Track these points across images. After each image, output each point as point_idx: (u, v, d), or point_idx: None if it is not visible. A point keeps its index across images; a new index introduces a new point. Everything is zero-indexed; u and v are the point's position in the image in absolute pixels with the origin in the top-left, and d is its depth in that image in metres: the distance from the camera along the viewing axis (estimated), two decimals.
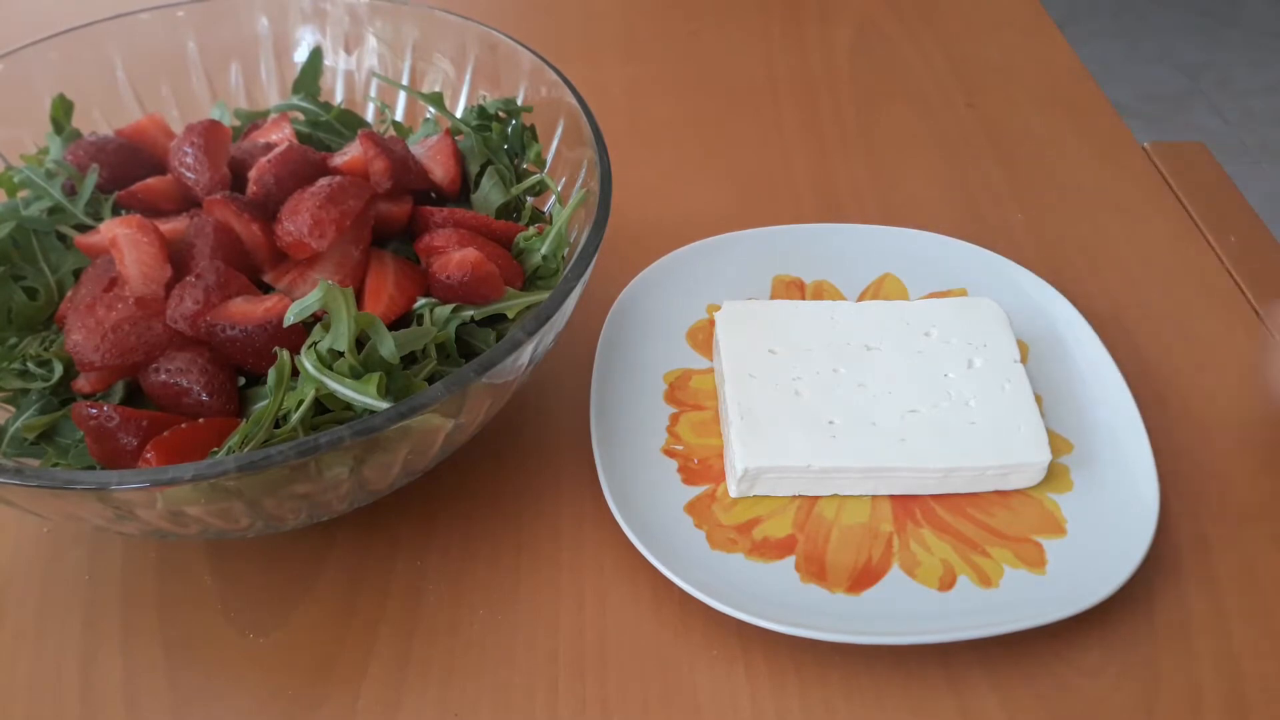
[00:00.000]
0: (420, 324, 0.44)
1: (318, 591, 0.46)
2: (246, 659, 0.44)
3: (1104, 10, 2.31)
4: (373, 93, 0.58)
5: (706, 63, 0.77)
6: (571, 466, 0.49)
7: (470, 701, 0.42)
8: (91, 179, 0.49)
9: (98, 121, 0.55)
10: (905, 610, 0.43)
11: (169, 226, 0.46)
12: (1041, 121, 0.71)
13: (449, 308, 0.44)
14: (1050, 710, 0.42)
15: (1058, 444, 0.49)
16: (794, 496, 0.48)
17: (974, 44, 0.78)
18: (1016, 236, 0.62)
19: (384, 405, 0.39)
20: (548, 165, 0.52)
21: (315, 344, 0.40)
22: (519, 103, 0.52)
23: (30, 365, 0.44)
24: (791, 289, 0.57)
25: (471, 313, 0.45)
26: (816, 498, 0.48)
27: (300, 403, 0.40)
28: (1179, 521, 0.47)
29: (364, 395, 0.39)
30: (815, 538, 0.46)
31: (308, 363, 0.40)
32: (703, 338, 0.54)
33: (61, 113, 0.53)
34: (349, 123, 0.55)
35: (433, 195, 0.52)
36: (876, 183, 0.66)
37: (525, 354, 0.41)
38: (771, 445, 0.47)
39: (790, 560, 0.45)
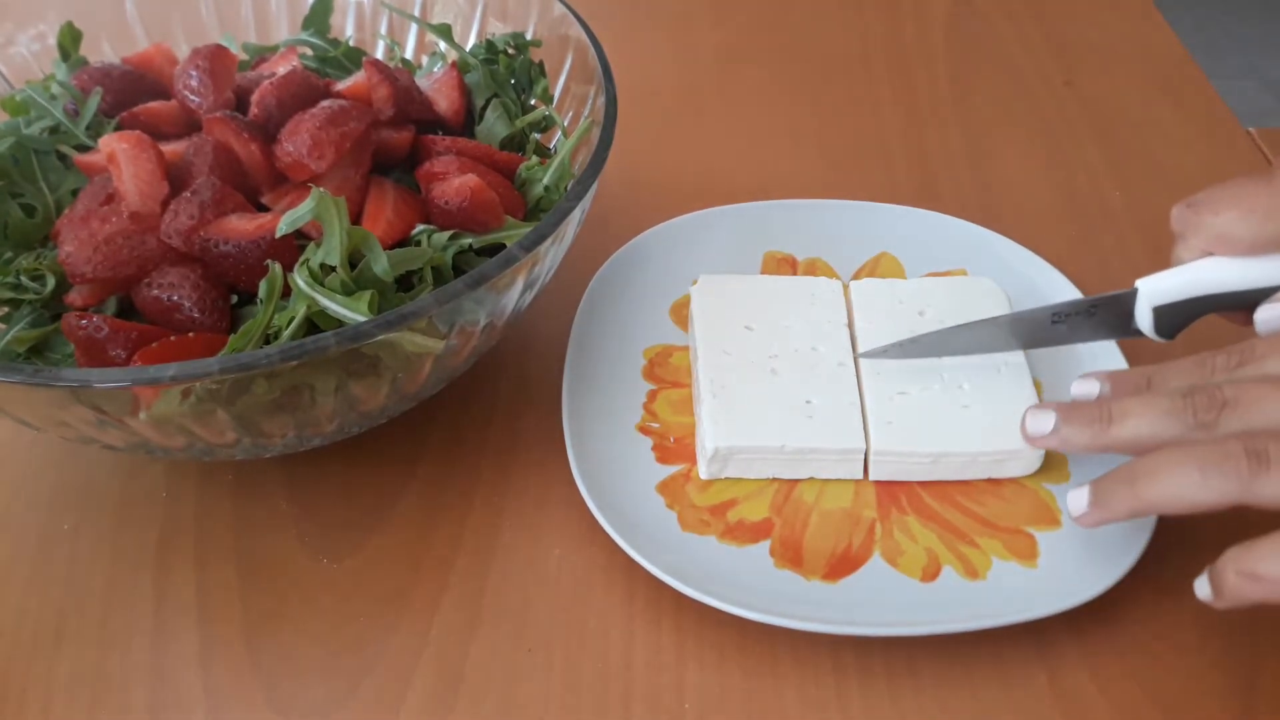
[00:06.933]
0: None
1: (394, 522, 0.45)
2: (320, 583, 0.43)
3: None
4: (383, 30, 0.57)
5: (798, 31, 0.75)
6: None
7: (543, 638, 0.42)
8: (94, 100, 0.48)
9: (107, 53, 0.55)
10: (884, 601, 0.42)
11: (170, 149, 0.46)
12: (1142, 103, 0.69)
13: (447, 234, 0.43)
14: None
15: None
16: (771, 479, 0.46)
17: (1072, 22, 0.76)
18: (1114, 215, 0.60)
19: None
20: (555, 100, 0.51)
21: (308, 260, 0.40)
22: (528, 37, 0.51)
23: (23, 279, 0.43)
24: (783, 265, 0.55)
25: (470, 240, 0.44)
26: (796, 481, 0.46)
27: (291, 320, 0.39)
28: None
29: (354, 311, 0.38)
30: (793, 522, 0.44)
31: (300, 279, 0.39)
32: (686, 313, 0.52)
33: (69, 40, 0.53)
34: (357, 59, 0.54)
35: (439, 132, 0.51)
36: (971, 159, 0.64)
37: (520, 277, 0.40)
38: (744, 425, 0.45)
39: (765, 545, 0.43)
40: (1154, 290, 0.43)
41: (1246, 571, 0.35)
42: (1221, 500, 0.36)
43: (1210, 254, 0.42)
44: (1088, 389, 0.43)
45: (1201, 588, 0.37)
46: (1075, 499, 0.40)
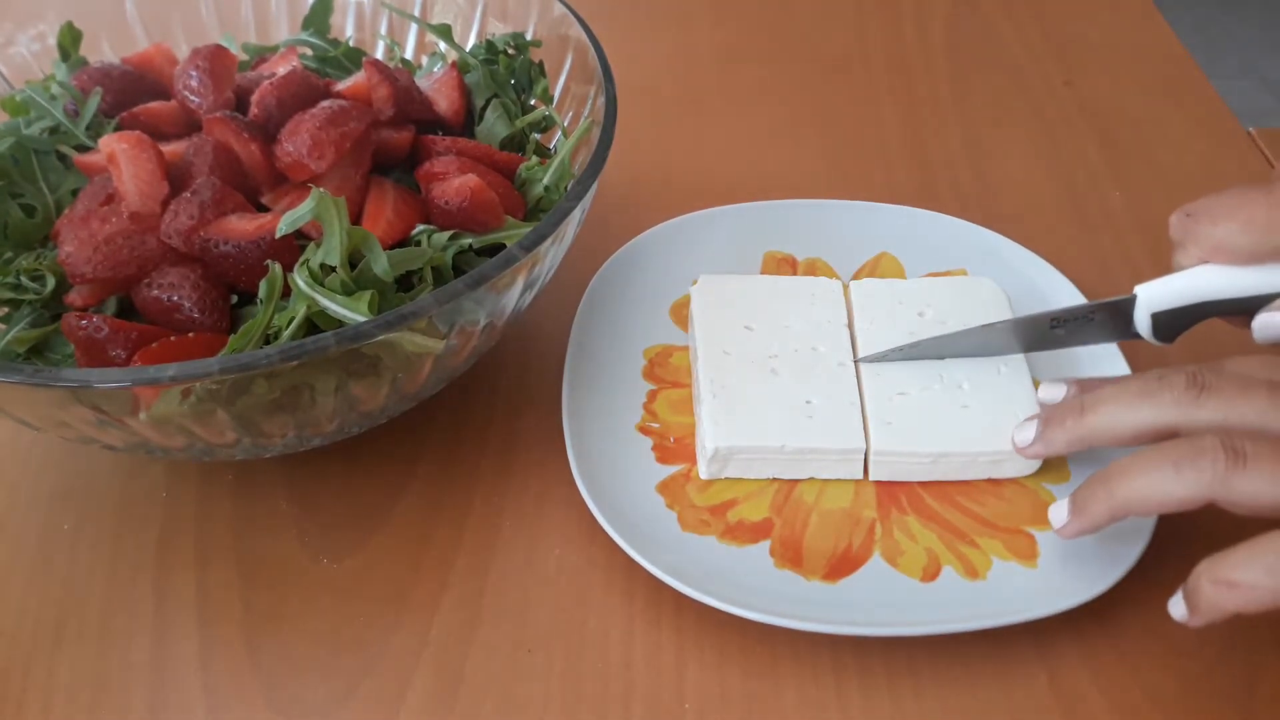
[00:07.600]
0: None
1: (394, 522, 0.46)
2: (320, 584, 0.44)
3: None
4: (383, 30, 0.57)
5: (798, 31, 0.75)
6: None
7: (543, 638, 0.42)
8: (94, 100, 0.48)
9: (106, 53, 0.55)
10: (884, 601, 0.41)
11: (170, 149, 0.46)
12: (1142, 103, 0.69)
13: (447, 234, 0.43)
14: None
15: None
16: (771, 479, 0.46)
17: (1072, 22, 0.76)
18: (1114, 215, 0.60)
19: None
20: (555, 100, 0.51)
21: (308, 260, 0.40)
22: (528, 37, 0.51)
23: (23, 279, 0.43)
24: (783, 265, 0.55)
25: (470, 240, 0.44)
26: (796, 481, 0.46)
27: (291, 320, 0.39)
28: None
29: (355, 312, 0.38)
30: (793, 522, 0.44)
31: (299, 279, 0.39)
32: (686, 313, 0.52)
33: (69, 40, 0.53)
34: (357, 59, 0.54)
35: (439, 132, 0.51)
36: (971, 159, 0.64)
37: (520, 277, 0.40)
38: (744, 425, 0.45)
39: (765, 545, 0.43)
40: (1152, 297, 0.43)
41: (1222, 579, 0.35)
42: (1196, 495, 0.35)
43: (1209, 262, 0.42)
44: (1054, 393, 0.44)
45: (1176, 607, 0.37)
46: (1056, 512, 0.40)
